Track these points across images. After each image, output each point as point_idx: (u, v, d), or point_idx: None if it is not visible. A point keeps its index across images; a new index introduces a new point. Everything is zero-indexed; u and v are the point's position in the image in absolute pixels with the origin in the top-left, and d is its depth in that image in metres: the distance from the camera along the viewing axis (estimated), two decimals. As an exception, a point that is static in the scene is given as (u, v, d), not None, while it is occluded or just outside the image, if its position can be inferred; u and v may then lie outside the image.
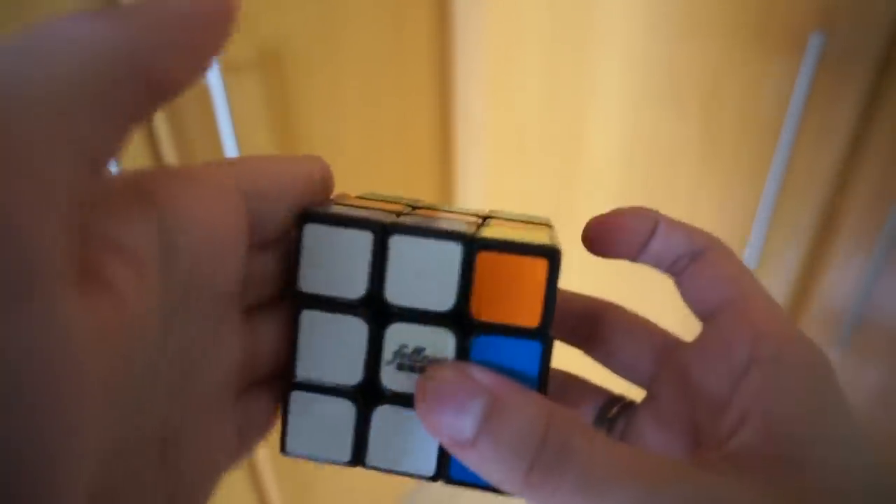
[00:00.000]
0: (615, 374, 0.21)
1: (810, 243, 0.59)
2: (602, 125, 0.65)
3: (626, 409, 0.21)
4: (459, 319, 0.17)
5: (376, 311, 0.17)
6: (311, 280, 0.17)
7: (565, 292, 0.21)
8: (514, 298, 0.17)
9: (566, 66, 0.65)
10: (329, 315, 0.17)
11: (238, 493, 0.69)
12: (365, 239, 0.17)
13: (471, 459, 0.15)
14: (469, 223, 0.18)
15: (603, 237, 0.19)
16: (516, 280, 0.17)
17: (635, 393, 0.21)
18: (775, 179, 0.55)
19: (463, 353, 0.17)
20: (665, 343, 0.20)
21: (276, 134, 0.56)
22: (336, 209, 0.17)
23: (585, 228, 0.19)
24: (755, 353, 0.17)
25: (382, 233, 0.17)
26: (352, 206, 0.18)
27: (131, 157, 0.46)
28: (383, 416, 0.17)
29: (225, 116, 0.49)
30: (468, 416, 0.15)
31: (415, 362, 0.17)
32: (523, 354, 0.17)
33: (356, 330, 0.17)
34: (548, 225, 0.20)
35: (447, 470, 0.18)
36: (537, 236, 0.17)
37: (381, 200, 0.20)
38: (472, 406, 0.15)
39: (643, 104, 0.61)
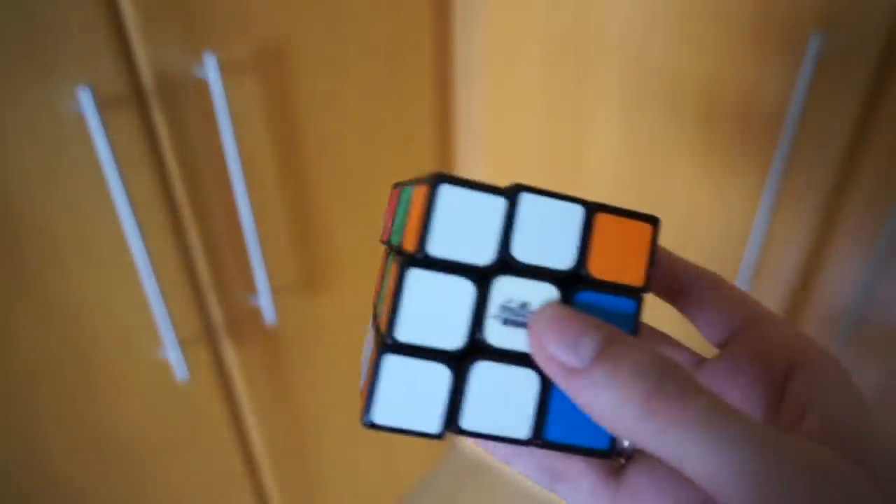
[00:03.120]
0: (698, 330, 0.22)
1: (810, 243, 0.59)
2: (602, 126, 0.65)
3: (700, 367, 0.21)
4: (574, 276, 0.18)
5: (481, 271, 0.18)
6: (440, 244, 0.17)
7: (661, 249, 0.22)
8: (623, 259, 0.19)
9: (566, 67, 0.65)
10: (439, 275, 0.17)
11: (238, 492, 0.69)
12: (497, 204, 0.17)
13: (579, 387, 0.16)
14: None
15: None
16: (625, 242, 0.19)
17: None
18: (775, 179, 0.55)
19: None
20: (751, 314, 0.21)
21: (276, 134, 0.56)
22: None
23: None
24: (797, 359, 0.18)
25: (514, 195, 0.17)
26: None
27: (131, 158, 0.46)
28: (481, 374, 0.17)
29: (225, 116, 0.49)
30: (587, 341, 0.16)
31: (519, 317, 0.18)
32: (621, 310, 0.19)
33: (464, 290, 0.17)
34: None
35: (542, 432, 0.18)
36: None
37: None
38: (591, 334, 0.16)
39: (643, 104, 0.61)
